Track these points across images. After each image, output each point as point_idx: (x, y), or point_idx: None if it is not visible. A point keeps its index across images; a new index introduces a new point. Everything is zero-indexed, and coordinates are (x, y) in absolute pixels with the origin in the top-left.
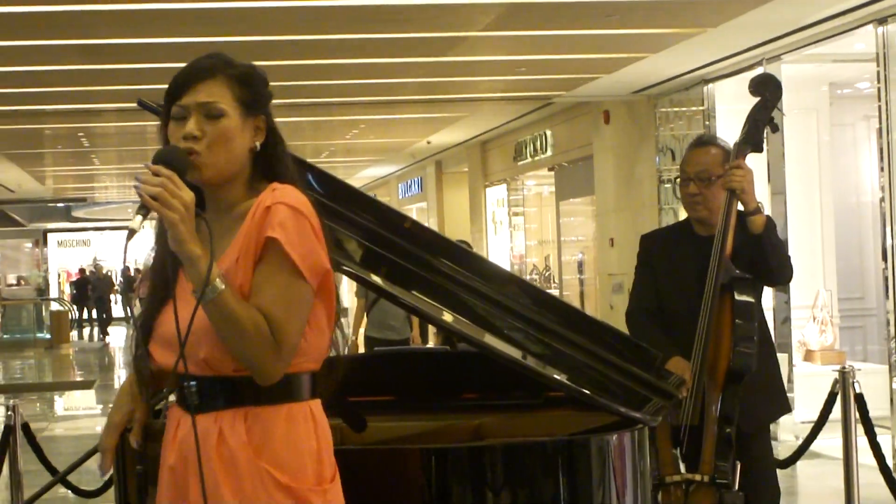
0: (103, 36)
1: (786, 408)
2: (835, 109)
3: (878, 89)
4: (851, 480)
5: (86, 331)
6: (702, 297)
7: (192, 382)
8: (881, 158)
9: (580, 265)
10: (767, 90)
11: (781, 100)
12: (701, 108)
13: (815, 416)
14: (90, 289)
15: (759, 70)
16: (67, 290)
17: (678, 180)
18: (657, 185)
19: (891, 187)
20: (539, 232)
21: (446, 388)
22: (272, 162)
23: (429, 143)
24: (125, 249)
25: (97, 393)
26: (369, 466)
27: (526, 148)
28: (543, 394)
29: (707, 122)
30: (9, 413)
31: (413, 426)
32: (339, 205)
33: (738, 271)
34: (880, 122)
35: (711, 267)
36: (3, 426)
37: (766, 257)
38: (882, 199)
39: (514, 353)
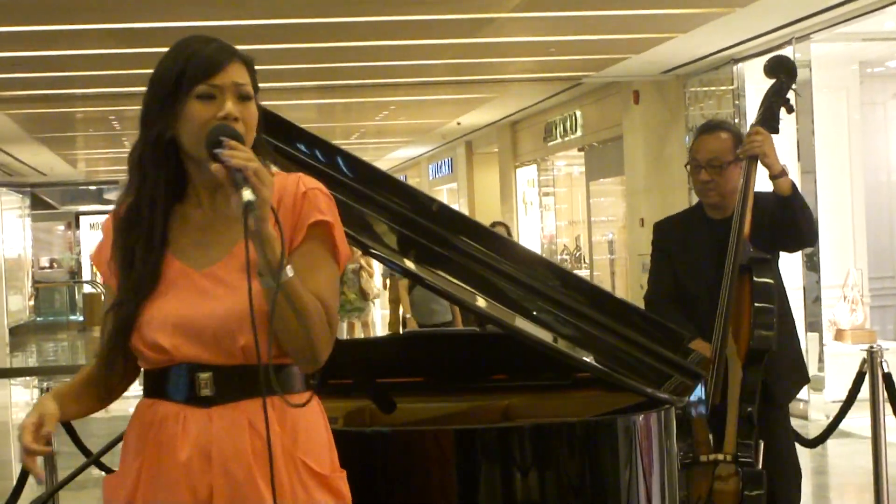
0: (135, 20)
1: (804, 379)
2: (865, 88)
3: None
4: (880, 459)
5: None
6: (717, 279)
7: (207, 373)
8: None
9: (610, 245)
10: (782, 72)
11: (797, 81)
12: (731, 87)
13: (845, 395)
14: None
15: (788, 49)
16: None
17: (688, 166)
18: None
19: None
20: (569, 212)
21: (475, 370)
22: (261, 152)
23: (459, 123)
24: (247, 225)
25: None
26: (399, 447)
27: (556, 128)
28: (572, 375)
29: (737, 102)
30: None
31: (442, 407)
32: (368, 188)
33: (755, 252)
34: None
35: (730, 247)
36: None
37: (795, 218)
38: None
39: (544, 335)
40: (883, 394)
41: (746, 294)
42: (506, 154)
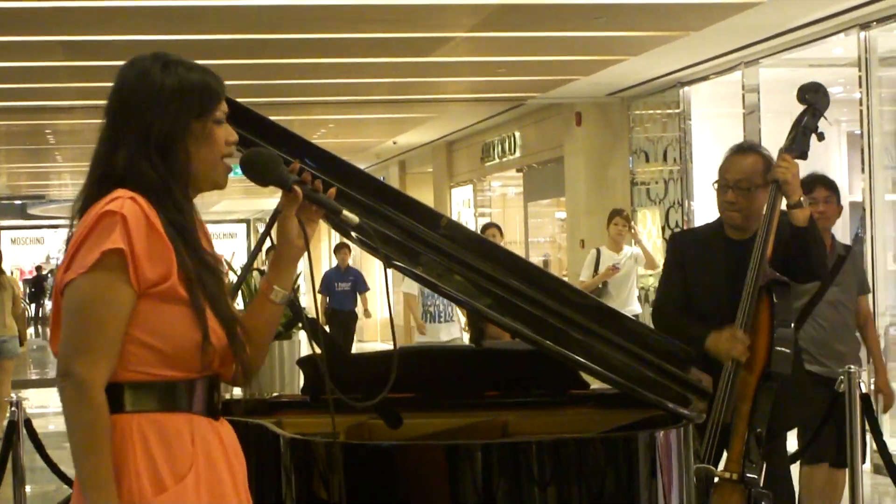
0: (75, 33)
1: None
2: None
3: (861, 94)
4: (856, 481)
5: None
6: (731, 300)
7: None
8: (863, 162)
9: (546, 265)
10: (816, 99)
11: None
12: (676, 110)
13: None
14: None
15: (737, 74)
16: (22, 287)
17: (715, 184)
18: (630, 187)
19: (871, 190)
20: (505, 233)
21: (465, 386)
22: None
23: (395, 143)
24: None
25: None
26: (419, 461)
27: (494, 149)
28: (567, 392)
29: (682, 125)
30: (13, 409)
31: (438, 423)
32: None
33: (777, 274)
34: (862, 127)
35: (751, 267)
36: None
37: (808, 250)
38: (863, 202)
39: (574, 353)
40: (858, 414)
41: (765, 315)
42: (440, 174)
